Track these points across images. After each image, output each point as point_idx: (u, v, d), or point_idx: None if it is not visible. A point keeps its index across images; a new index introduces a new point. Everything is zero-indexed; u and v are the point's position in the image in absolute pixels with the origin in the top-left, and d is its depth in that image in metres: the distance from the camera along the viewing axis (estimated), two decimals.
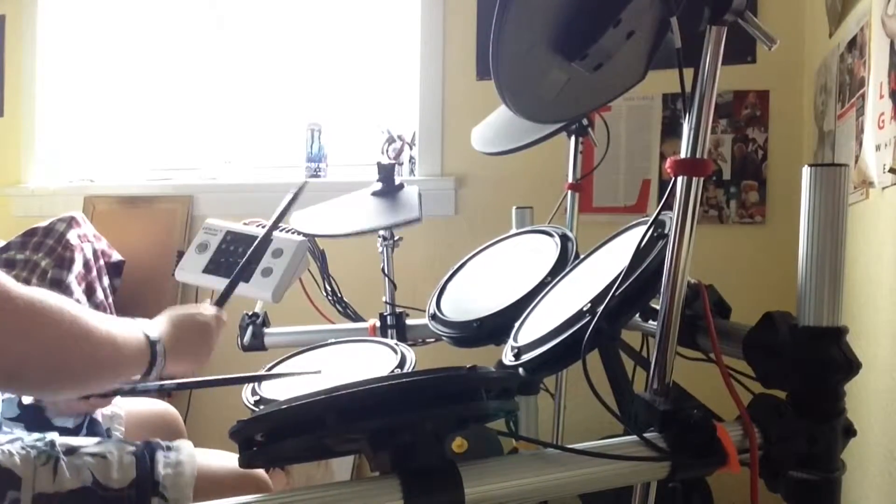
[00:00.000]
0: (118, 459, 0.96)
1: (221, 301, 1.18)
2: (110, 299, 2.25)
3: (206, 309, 1.09)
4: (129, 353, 0.88)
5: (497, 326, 1.09)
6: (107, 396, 1.07)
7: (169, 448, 1.03)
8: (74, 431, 1.13)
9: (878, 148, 1.25)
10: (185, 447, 1.04)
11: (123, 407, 1.23)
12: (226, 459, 1.09)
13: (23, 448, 0.94)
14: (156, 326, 0.97)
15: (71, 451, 0.96)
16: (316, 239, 1.49)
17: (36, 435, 0.98)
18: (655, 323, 0.79)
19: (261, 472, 1.13)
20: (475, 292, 1.25)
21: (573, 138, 1.59)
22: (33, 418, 1.09)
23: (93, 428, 1.16)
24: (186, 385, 1.03)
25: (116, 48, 2.81)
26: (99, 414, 1.17)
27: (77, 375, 0.83)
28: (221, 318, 1.12)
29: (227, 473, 1.05)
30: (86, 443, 1.00)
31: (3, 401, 1.08)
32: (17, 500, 0.90)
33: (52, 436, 0.98)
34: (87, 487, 0.93)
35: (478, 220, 2.30)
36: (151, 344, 0.92)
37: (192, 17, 2.71)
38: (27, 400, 1.08)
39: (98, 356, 0.83)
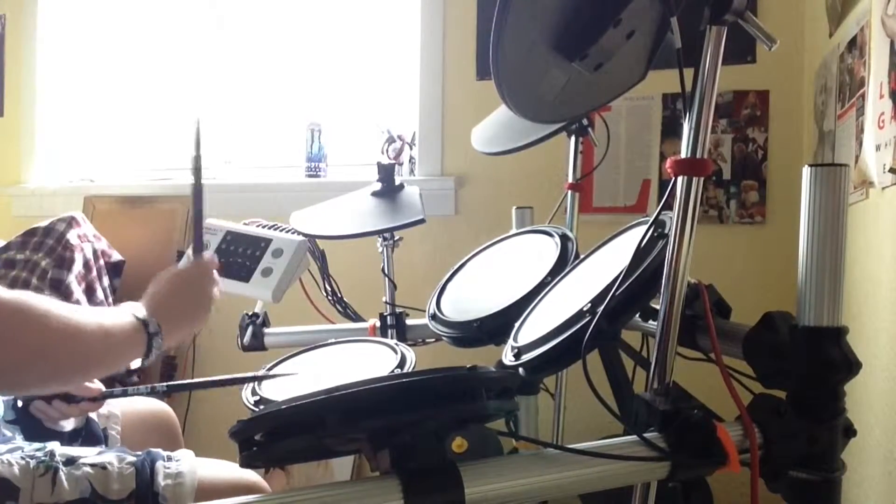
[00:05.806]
0: (118, 471, 0.96)
1: (197, 248, 1.06)
2: (110, 299, 2.25)
3: (183, 263, 1.04)
4: (123, 339, 0.87)
5: (497, 326, 1.09)
6: (96, 401, 1.08)
7: (170, 458, 1.02)
8: (74, 435, 1.13)
9: (878, 148, 1.25)
10: (186, 457, 1.03)
11: (119, 407, 1.23)
12: (226, 470, 1.08)
13: (22, 458, 0.93)
14: (145, 304, 0.94)
15: (70, 461, 0.95)
16: (316, 239, 1.50)
17: (36, 444, 0.98)
18: (655, 323, 0.79)
19: (262, 482, 1.13)
20: (475, 292, 1.25)
21: (573, 138, 1.59)
22: (30, 422, 1.08)
23: (90, 428, 1.15)
24: (177, 387, 1.01)
25: (116, 48, 2.80)
26: (95, 414, 1.17)
27: (71, 372, 0.83)
28: (205, 264, 1.03)
29: (227, 484, 1.04)
30: (86, 453, 0.99)
31: (1, 402, 1.08)
32: None
33: (53, 446, 0.98)
34: (86, 499, 0.92)
35: (478, 220, 2.30)
36: (144, 324, 0.90)
37: (191, 17, 2.71)
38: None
39: (91, 352, 0.83)
